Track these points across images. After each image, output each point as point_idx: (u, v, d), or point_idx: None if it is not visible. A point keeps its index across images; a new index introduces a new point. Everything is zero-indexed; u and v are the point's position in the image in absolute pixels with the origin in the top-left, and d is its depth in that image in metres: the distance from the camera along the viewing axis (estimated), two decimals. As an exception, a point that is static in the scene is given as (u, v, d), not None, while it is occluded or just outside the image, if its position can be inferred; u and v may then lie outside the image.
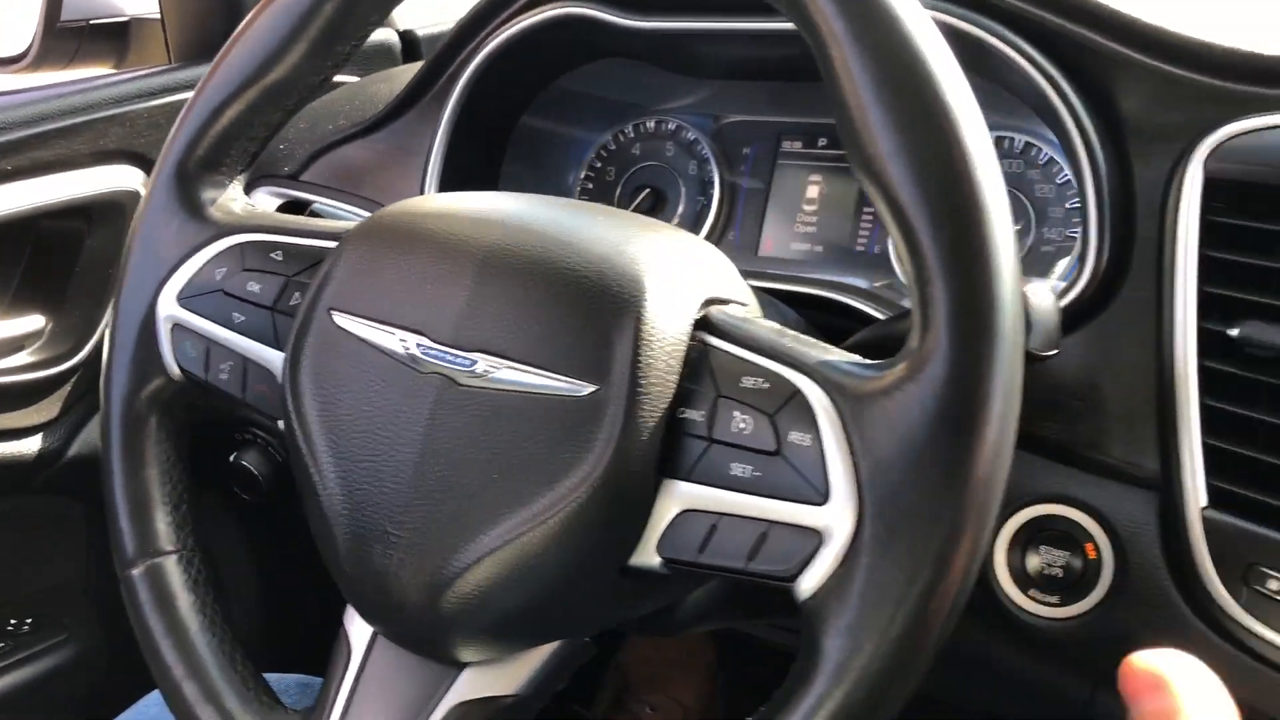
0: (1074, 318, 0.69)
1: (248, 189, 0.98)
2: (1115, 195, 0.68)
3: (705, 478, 0.49)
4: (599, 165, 1.00)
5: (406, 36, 1.15)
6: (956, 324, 0.44)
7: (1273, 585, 0.59)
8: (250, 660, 0.62)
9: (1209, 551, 0.61)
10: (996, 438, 0.45)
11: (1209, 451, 0.62)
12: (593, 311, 0.50)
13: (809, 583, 0.46)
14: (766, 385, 0.49)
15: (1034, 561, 0.68)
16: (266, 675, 0.65)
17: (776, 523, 0.48)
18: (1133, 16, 0.69)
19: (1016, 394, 0.46)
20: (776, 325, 0.53)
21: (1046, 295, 0.60)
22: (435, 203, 0.57)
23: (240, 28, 0.63)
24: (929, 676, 0.82)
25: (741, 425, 0.49)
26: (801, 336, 0.52)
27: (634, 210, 0.96)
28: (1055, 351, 0.60)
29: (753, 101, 0.95)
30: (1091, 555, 0.67)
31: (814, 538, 0.47)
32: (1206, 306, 0.63)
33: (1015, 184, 0.81)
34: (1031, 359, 0.61)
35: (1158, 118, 0.68)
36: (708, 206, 0.95)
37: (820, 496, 0.47)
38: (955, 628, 0.73)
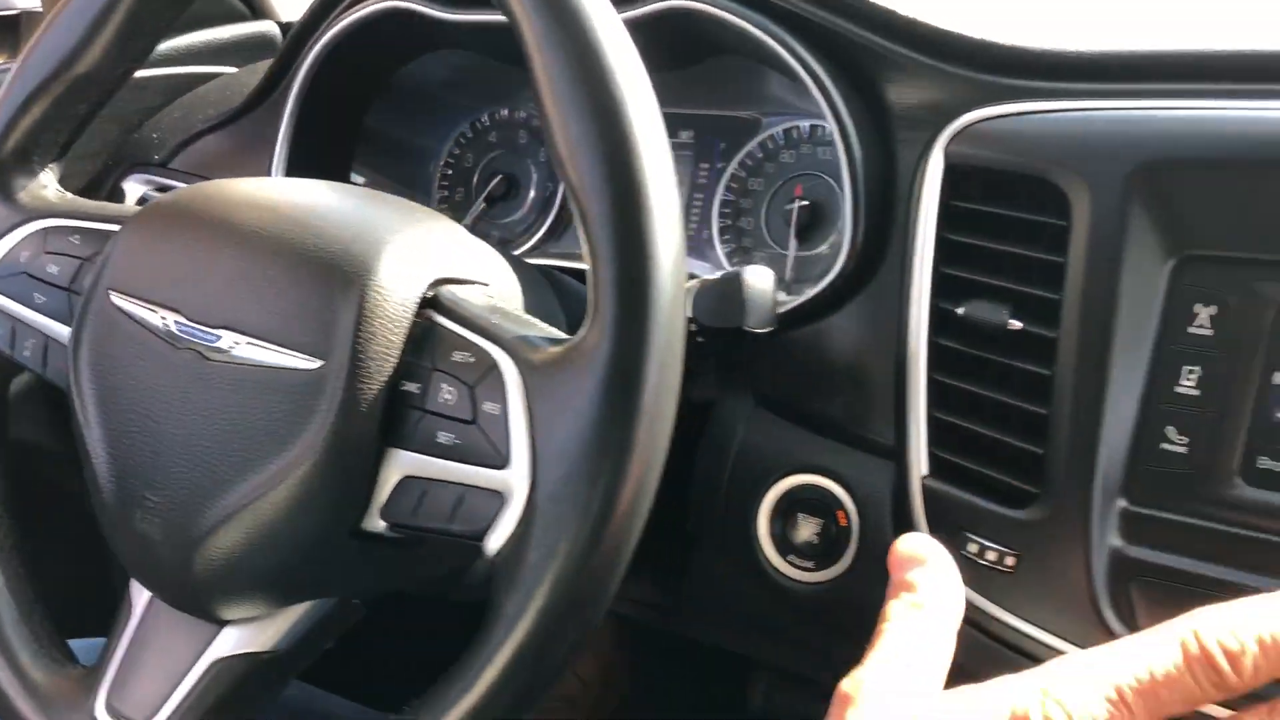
0: (836, 297, 0.72)
1: (123, 176, 1.03)
2: (875, 182, 0.71)
3: (420, 446, 0.54)
4: (457, 153, 1.04)
5: (287, 29, 1.19)
6: (618, 304, 0.48)
7: (972, 549, 0.62)
8: (50, 620, 0.66)
9: (926, 518, 0.65)
10: (652, 407, 0.49)
11: (934, 423, 0.65)
12: (322, 290, 0.54)
13: (494, 543, 0.50)
14: (472, 359, 0.53)
15: (793, 529, 0.72)
16: (90, 639, 0.69)
17: (471, 486, 0.52)
18: (894, 11, 0.72)
19: (674, 367, 0.49)
20: (498, 304, 0.57)
21: (764, 278, 0.64)
22: (211, 187, 0.61)
23: (43, 24, 0.67)
24: (720, 631, 0.86)
25: (448, 396, 0.53)
26: (517, 314, 0.56)
27: (486, 197, 1.00)
28: (771, 328, 0.63)
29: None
30: (843, 523, 0.70)
31: (498, 500, 0.51)
32: (941, 287, 0.66)
33: (815, 168, 0.84)
34: (748, 335, 0.65)
35: (914, 106, 0.71)
36: (555, 191, 0.99)
37: (503, 461, 0.51)
38: (731, 589, 0.77)
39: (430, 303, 0.55)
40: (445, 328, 0.54)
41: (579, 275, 0.82)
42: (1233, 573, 0.56)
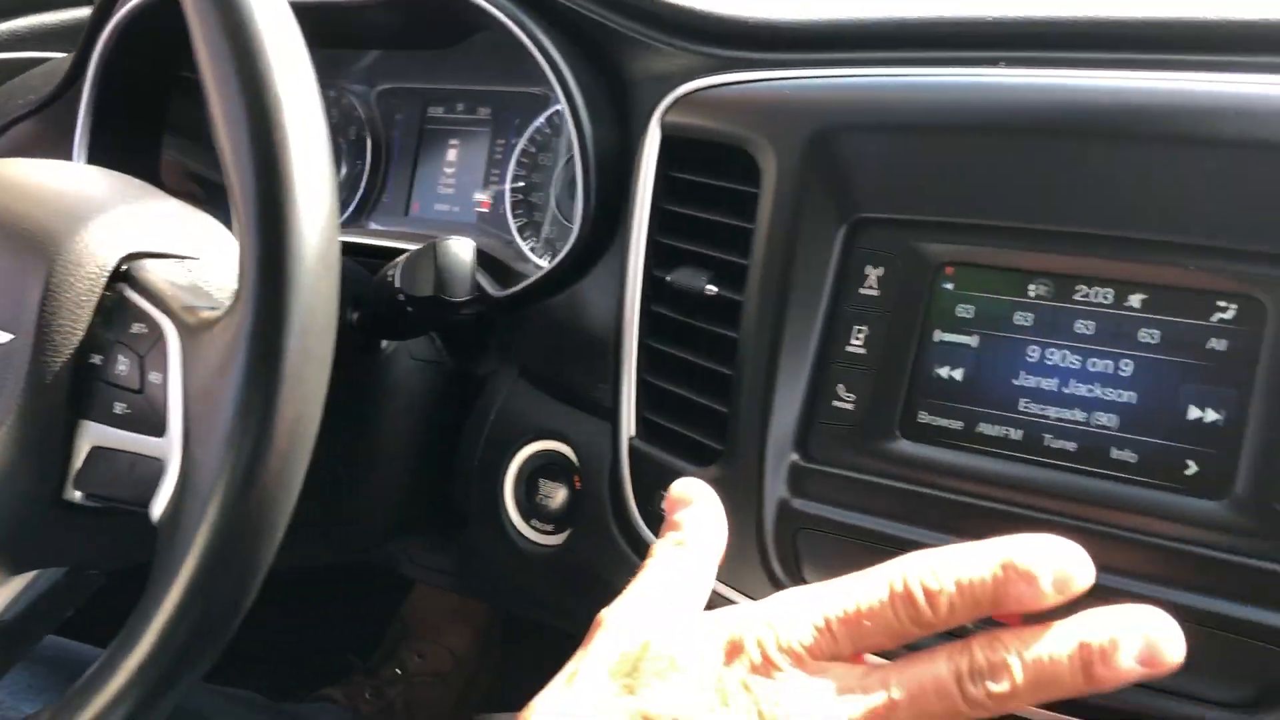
0: (578, 266, 0.74)
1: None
2: (609, 154, 0.73)
3: (101, 416, 0.56)
4: (277, 134, 1.05)
5: (120, 14, 1.20)
6: (259, 275, 0.49)
7: (663, 506, 0.64)
8: None
9: (631, 478, 0.67)
10: (295, 375, 0.50)
11: (643, 386, 0.67)
12: (14, 265, 0.56)
13: (157, 509, 0.52)
14: (145, 330, 0.55)
15: (535, 494, 0.74)
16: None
17: (140, 455, 0.54)
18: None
19: (320, 335, 0.51)
20: (196, 278, 0.59)
21: (462, 248, 0.66)
22: None
23: None
24: (493, 595, 0.88)
25: (123, 367, 0.55)
26: (202, 286, 0.58)
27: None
28: (469, 298, 0.65)
29: (406, 70, 1.00)
30: (578, 487, 0.72)
31: (158, 466, 0.53)
32: (656, 255, 0.68)
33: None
34: (449, 306, 0.66)
35: (644, 80, 0.73)
36: (363, 170, 1.01)
37: (163, 429, 0.53)
38: (489, 554, 0.79)
39: (122, 276, 0.57)
40: (131, 300, 0.56)
41: (382, 253, 0.84)
42: (891, 525, 0.58)
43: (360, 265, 0.78)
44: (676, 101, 0.69)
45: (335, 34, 0.94)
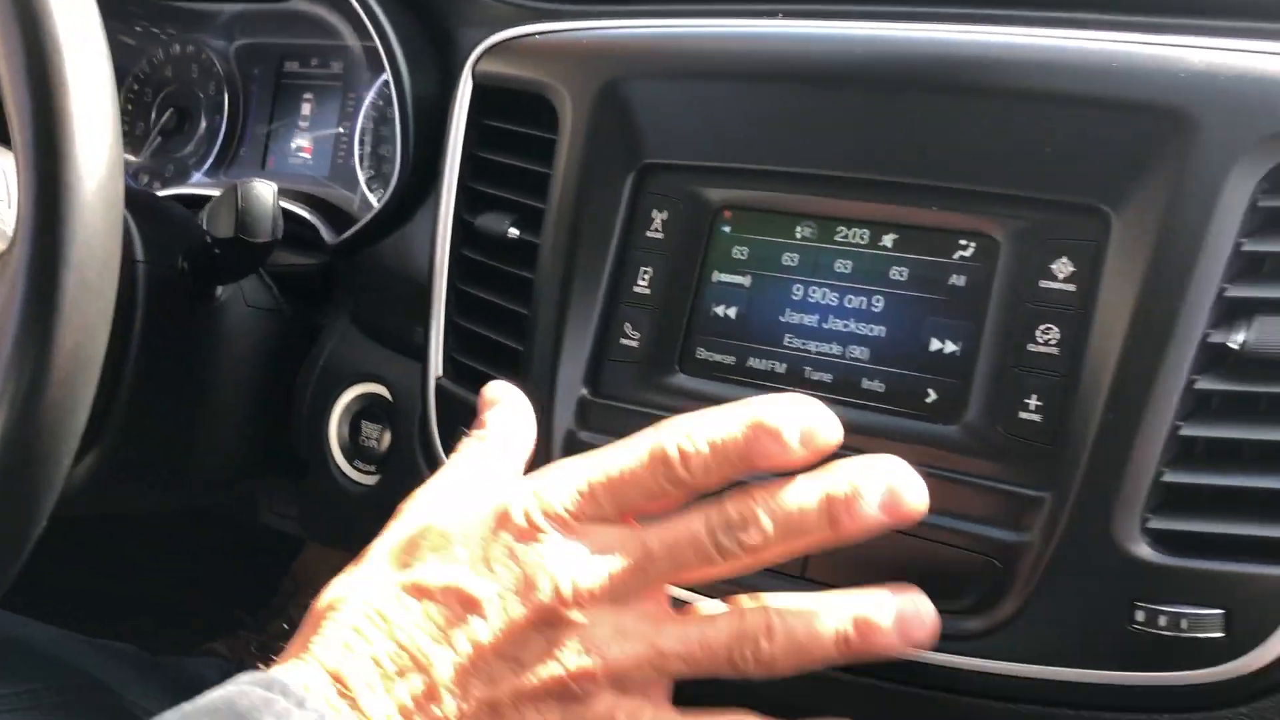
0: (401, 212, 0.76)
1: None
2: (428, 104, 0.74)
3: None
4: (136, 88, 1.05)
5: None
6: (34, 210, 0.51)
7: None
8: None
9: (438, 418, 0.69)
10: (73, 306, 0.52)
11: (451, 328, 0.70)
12: None
13: None
14: None
15: (358, 435, 0.76)
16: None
17: None
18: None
19: (99, 269, 0.52)
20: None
21: (263, 191, 0.67)
22: None
23: None
24: (337, 541, 0.89)
25: None
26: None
27: (158, 129, 1.02)
28: (272, 239, 0.67)
29: (263, 26, 1.00)
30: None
31: None
32: (467, 200, 0.70)
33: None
34: (252, 247, 0.68)
35: (464, 29, 0.75)
36: (221, 123, 1.01)
37: None
38: (325, 499, 0.81)
39: None
40: None
41: None
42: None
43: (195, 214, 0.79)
44: (488, 51, 0.70)
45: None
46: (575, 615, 0.43)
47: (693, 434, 0.46)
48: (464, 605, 0.43)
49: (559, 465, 0.48)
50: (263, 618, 1.45)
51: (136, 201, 0.78)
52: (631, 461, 0.46)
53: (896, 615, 0.46)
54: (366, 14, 0.74)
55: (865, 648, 0.45)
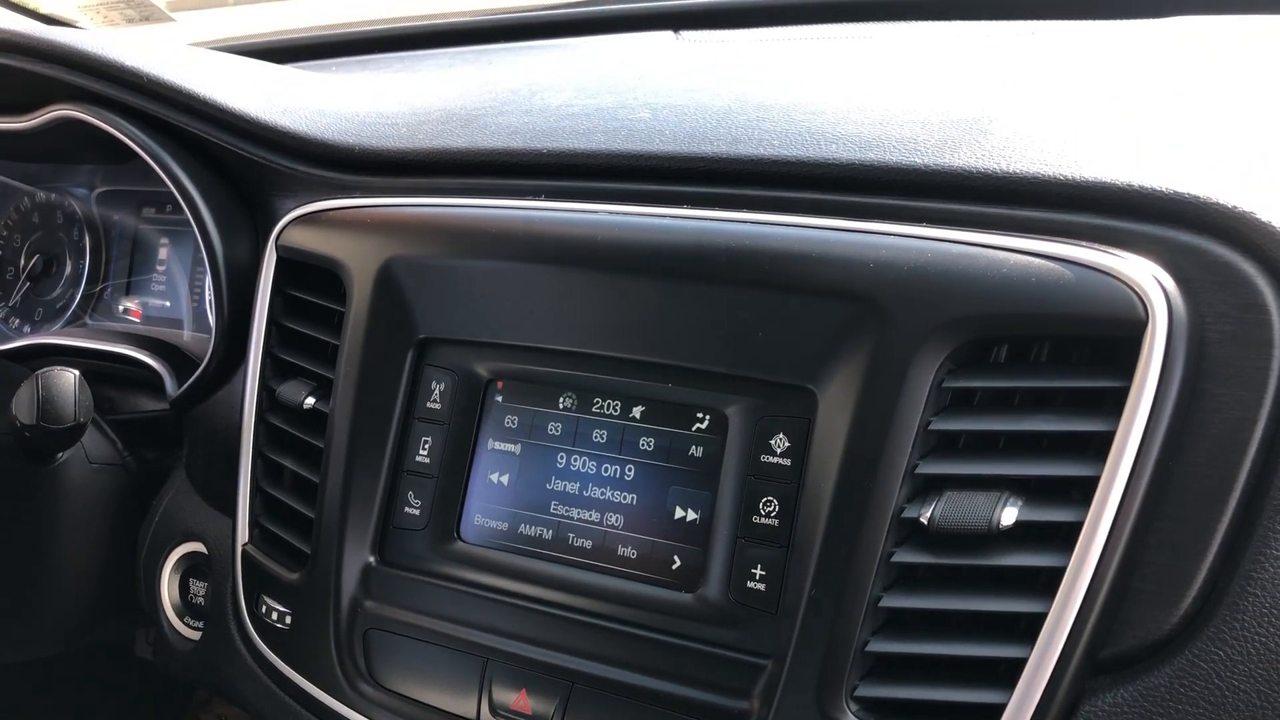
0: (217, 376, 0.79)
1: None
2: (241, 273, 0.77)
3: None
4: (5, 234, 1.08)
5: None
6: None
7: (263, 610, 0.69)
8: None
9: (244, 582, 0.71)
10: None
11: (258, 494, 0.72)
12: None
13: None
14: None
15: (188, 592, 0.78)
16: None
17: None
18: (249, 116, 0.77)
19: None
20: None
21: (63, 380, 0.70)
22: None
23: None
24: (174, 672, 0.90)
25: None
26: None
27: (26, 274, 1.06)
28: (75, 424, 0.69)
29: (121, 175, 1.04)
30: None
31: None
32: (274, 368, 0.73)
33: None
34: (52, 433, 0.70)
35: (274, 201, 0.78)
36: (84, 269, 1.04)
37: None
38: (161, 654, 0.82)
39: None
40: None
41: (91, 355, 0.88)
42: (448, 625, 0.63)
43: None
44: (291, 223, 0.74)
45: (24, 152, 0.98)
46: None
47: None
48: None
49: None
50: (177, 732, 1.46)
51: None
52: None
53: None
54: (174, 185, 0.77)
55: None
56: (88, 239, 1.04)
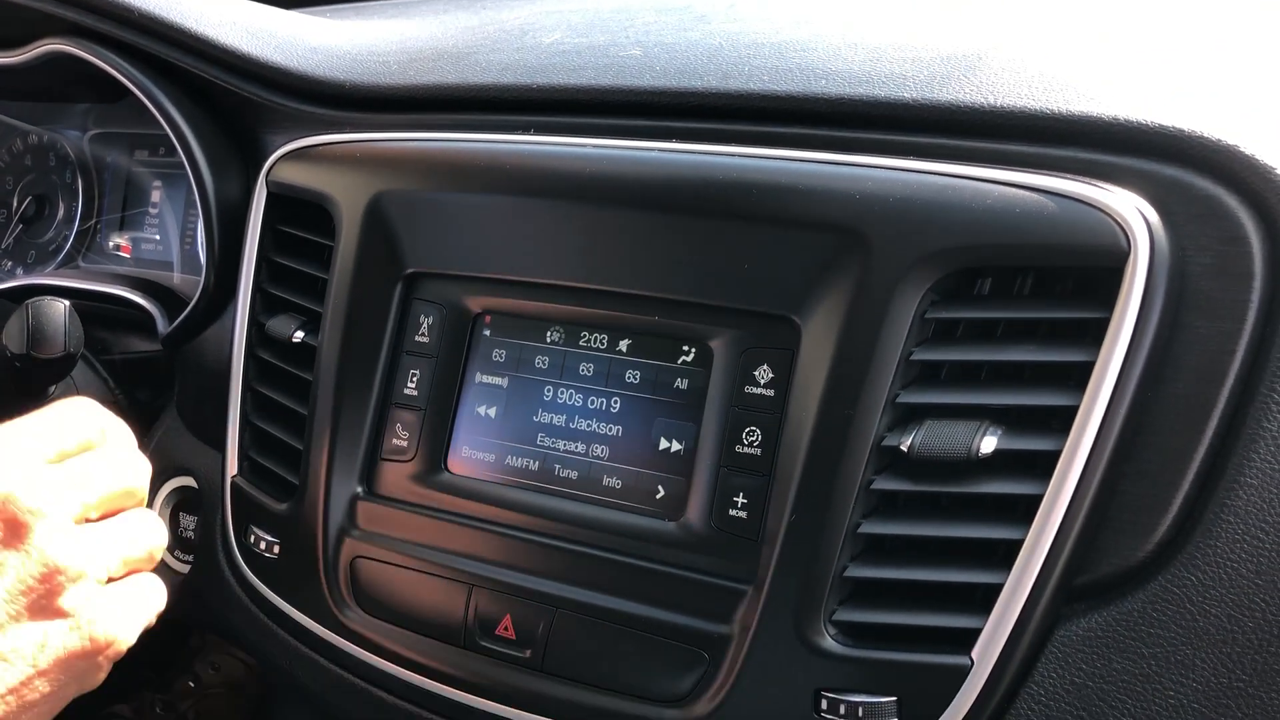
0: (208, 313, 0.79)
1: None
2: (232, 209, 0.77)
3: None
4: (-5, 177, 1.09)
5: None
6: None
7: (251, 540, 0.70)
8: None
9: (233, 513, 0.72)
10: None
11: (247, 427, 0.73)
12: None
13: None
14: None
15: (178, 526, 0.79)
16: None
17: None
18: (240, 52, 0.77)
19: None
20: None
21: (53, 309, 0.70)
22: None
23: None
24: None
25: None
26: None
27: (19, 217, 1.06)
28: (65, 354, 0.70)
29: (114, 117, 1.03)
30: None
31: None
32: (263, 303, 0.74)
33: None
34: (42, 363, 0.71)
35: (265, 139, 0.78)
36: (77, 211, 1.04)
37: None
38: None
39: None
40: None
41: (86, 295, 0.88)
42: (434, 553, 0.64)
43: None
44: (281, 159, 0.74)
45: (14, 89, 0.98)
46: None
47: None
48: None
49: None
50: (168, 676, 1.47)
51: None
52: None
53: None
54: (165, 120, 0.77)
55: None
56: (80, 181, 1.04)
